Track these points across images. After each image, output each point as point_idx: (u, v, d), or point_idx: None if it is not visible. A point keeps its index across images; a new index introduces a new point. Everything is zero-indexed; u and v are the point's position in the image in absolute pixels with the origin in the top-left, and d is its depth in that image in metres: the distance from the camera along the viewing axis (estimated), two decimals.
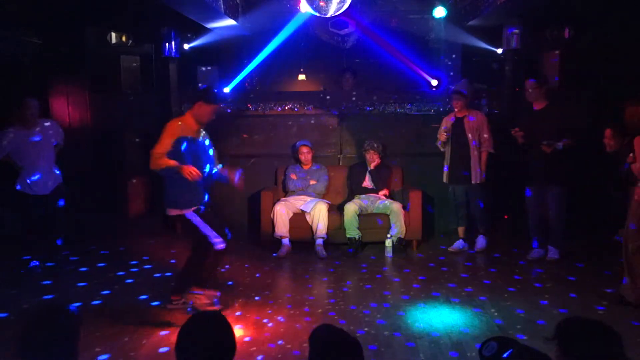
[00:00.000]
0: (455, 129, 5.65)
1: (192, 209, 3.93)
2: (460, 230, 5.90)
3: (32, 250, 5.24)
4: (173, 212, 3.98)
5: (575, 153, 5.10)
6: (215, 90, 4.26)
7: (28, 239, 5.25)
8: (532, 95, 5.23)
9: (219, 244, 3.97)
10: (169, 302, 4.11)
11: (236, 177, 4.19)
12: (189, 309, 3.99)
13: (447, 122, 5.75)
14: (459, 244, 5.88)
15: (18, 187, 5.04)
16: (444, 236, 6.29)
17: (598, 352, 1.77)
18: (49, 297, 4.49)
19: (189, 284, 4.02)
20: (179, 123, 3.92)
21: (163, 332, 3.73)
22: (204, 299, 3.95)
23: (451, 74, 6.78)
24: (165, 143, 3.80)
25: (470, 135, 5.58)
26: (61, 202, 5.20)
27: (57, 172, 5.21)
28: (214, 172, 4.18)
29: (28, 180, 5.03)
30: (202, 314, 1.99)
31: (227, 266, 5.40)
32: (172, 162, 3.76)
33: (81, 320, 2.02)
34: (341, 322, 3.89)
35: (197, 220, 3.93)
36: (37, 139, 5.06)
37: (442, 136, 5.71)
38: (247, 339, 3.60)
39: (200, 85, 6.79)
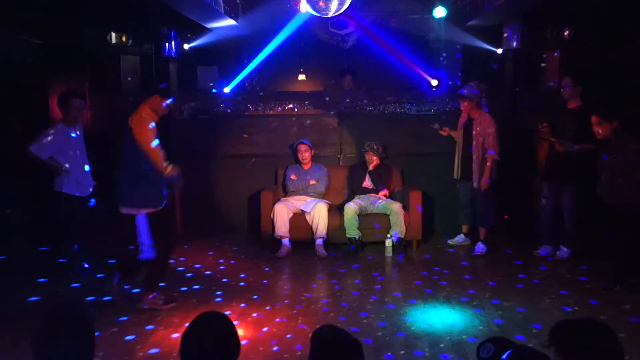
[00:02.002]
0: (466, 129, 5.73)
1: (147, 210, 3.99)
2: (464, 227, 6.01)
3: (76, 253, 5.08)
4: (125, 210, 4.06)
5: (592, 155, 5.08)
6: (169, 87, 4.36)
7: (69, 242, 5.08)
8: (566, 93, 5.25)
9: (146, 253, 4.01)
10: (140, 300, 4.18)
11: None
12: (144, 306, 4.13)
13: (460, 122, 5.83)
14: (459, 237, 5.98)
15: (64, 189, 4.86)
16: (444, 236, 6.29)
17: (595, 353, 1.78)
18: (48, 297, 4.50)
19: (154, 286, 4.17)
20: (153, 125, 3.98)
21: (164, 333, 3.74)
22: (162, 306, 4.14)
23: (457, 75, 6.78)
24: (157, 148, 3.95)
25: (474, 139, 5.59)
26: (92, 202, 5.13)
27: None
28: None
29: (76, 182, 4.90)
30: (205, 314, 1.99)
31: (222, 267, 5.42)
32: (174, 171, 3.99)
33: (94, 318, 2.01)
34: (341, 322, 3.89)
35: (143, 225, 3.99)
36: (78, 138, 5.01)
37: (441, 132, 5.89)
38: (247, 339, 3.61)
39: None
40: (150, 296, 4.13)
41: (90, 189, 5.07)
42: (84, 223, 5.05)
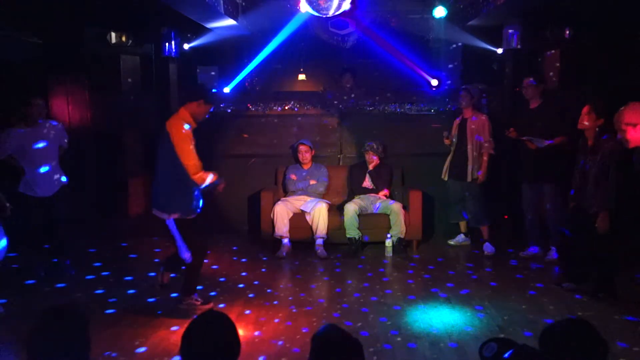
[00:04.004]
0: (460, 129, 5.83)
1: (175, 216, 3.88)
2: (462, 224, 6.05)
3: (34, 257, 5.10)
4: (158, 214, 3.93)
5: (568, 151, 5.09)
6: (213, 92, 4.19)
7: (31, 243, 5.08)
8: (529, 93, 5.36)
9: (183, 255, 3.94)
10: (180, 301, 4.12)
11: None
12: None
13: (455, 124, 5.93)
14: (459, 237, 6.06)
15: (20, 189, 4.89)
16: (444, 236, 6.29)
17: (581, 351, 1.80)
18: (49, 299, 4.49)
19: (191, 289, 4.08)
20: (188, 127, 3.84)
21: (164, 334, 3.74)
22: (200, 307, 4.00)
23: (450, 78, 6.80)
24: (194, 153, 3.82)
25: (470, 136, 5.70)
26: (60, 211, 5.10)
27: (61, 175, 5.09)
28: None
29: (30, 182, 4.90)
30: (206, 314, 1.99)
31: (222, 267, 5.42)
32: (213, 178, 3.88)
33: (88, 321, 2.01)
34: (341, 322, 3.88)
35: (173, 229, 3.90)
36: (41, 140, 4.95)
37: (446, 141, 5.93)
38: (247, 339, 3.61)
39: (199, 83, 6.75)
40: (188, 300, 4.07)
41: (51, 191, 4.99)
42: (42, 224, 5.00)
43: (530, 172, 5.35)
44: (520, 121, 5.39)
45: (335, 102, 6.70)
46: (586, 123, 4.36)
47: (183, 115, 3.90)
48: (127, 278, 4.99)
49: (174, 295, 4.30)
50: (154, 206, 3.97)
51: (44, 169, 4.97)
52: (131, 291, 4.66)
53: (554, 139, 5.10)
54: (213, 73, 7.14)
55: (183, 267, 4.12)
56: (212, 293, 4.57)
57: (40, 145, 4.95)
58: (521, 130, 5.28)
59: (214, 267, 5.37)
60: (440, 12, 6.53)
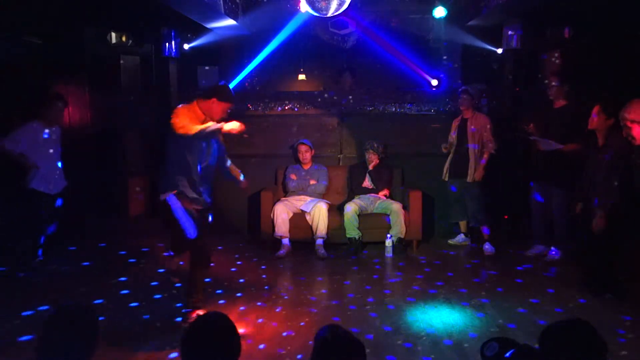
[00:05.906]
0: (460, 130, 5.82)
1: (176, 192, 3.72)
2: (462, 224, 6.05)
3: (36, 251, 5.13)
4: (162, 196, 3.77)
5: (579, 156, 5.06)
6: (230, 88, 4.08)
7: (37, 239, 5.12)
8: (552, 93, 5.30)
9: (191, 233, 3.71)
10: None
11: (241, 177, 4.25)
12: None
13: (454, 124, 5.93)
14: (459, 237, 6.06)
15: (34, 186, 4.94)
16: (444, 236, 6.29)
17: (580, 352, 1.80)
18: (48, 302, 4.49)
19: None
20: (186, 111, 3.74)
21: (164, 333, 3.74)
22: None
23: (452, 77, 6.80)
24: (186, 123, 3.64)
25: (470, 137, 5.69)
26: (59, 202, 5.20)
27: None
28: (226, 166, 4.17)
29: (45, 178, 4.99)
30: (206, 315, 1.99)
31: (222, 267, 5.41)
32: (201, 127, 3.66)
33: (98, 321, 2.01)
34: (341, 323, 3.88)
35: (176, 206, 3.69)
36: (54, 138, 5.12)
37: (444, 149, 5.93)
38: (247, 339, 3.60)
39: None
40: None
41: (60, 188, 5.15)
42: (46, 220, 5.08)
43: (540, 173, 5.34)
44: (542, 119, 5.30)
45: (335, 102, 6.70)
46: (594, 122, 4.35)
47: (193, 106, 3.80)
48: (122, 278, 4.99)
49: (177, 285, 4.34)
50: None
51: (56, 166, 5.13)
52: (129, 294, 4.66)
53: (567, 144, 4.97)
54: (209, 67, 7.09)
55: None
56: (213, 292, 4.57)
57: (52, 143, 5.10)
58: (539, 127, 5.24)
59: (214, 267, 5.36)
60: (440, 12, 6.53)
